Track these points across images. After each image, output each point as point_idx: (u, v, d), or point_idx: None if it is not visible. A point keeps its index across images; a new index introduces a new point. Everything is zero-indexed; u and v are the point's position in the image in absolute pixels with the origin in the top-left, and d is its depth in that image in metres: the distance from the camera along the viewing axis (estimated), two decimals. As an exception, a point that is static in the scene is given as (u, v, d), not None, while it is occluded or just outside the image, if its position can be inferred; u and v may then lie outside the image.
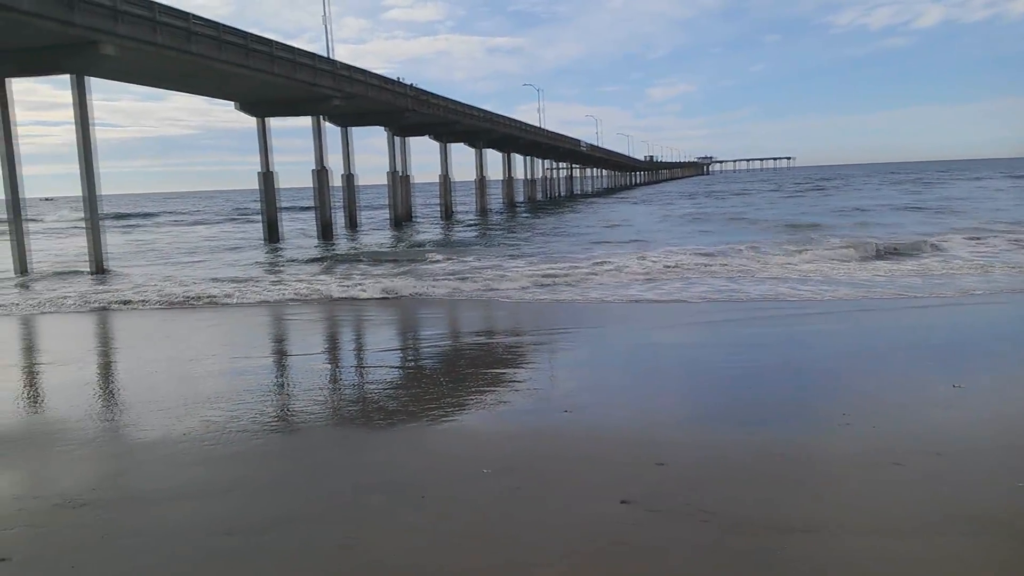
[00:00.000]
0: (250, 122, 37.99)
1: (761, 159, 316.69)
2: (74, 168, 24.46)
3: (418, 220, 53.25)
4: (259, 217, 42.27)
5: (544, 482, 5.71)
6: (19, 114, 24.79)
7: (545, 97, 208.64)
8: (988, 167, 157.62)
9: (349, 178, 46.13)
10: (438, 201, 58.29)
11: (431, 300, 16.10)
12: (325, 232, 38.92)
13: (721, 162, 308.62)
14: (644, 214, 51.29)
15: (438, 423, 7.37)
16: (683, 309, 14.04)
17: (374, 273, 21.37)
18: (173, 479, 6.14)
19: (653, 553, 4.53)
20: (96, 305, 17.21)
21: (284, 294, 17.37)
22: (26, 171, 25.24)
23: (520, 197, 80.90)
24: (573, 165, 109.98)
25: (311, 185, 40.29)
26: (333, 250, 31.55)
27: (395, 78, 43.56)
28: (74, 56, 22.69)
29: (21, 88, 25.67)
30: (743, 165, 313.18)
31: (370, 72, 40.32)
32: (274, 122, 38.45)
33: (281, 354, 11.94)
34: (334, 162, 40.19)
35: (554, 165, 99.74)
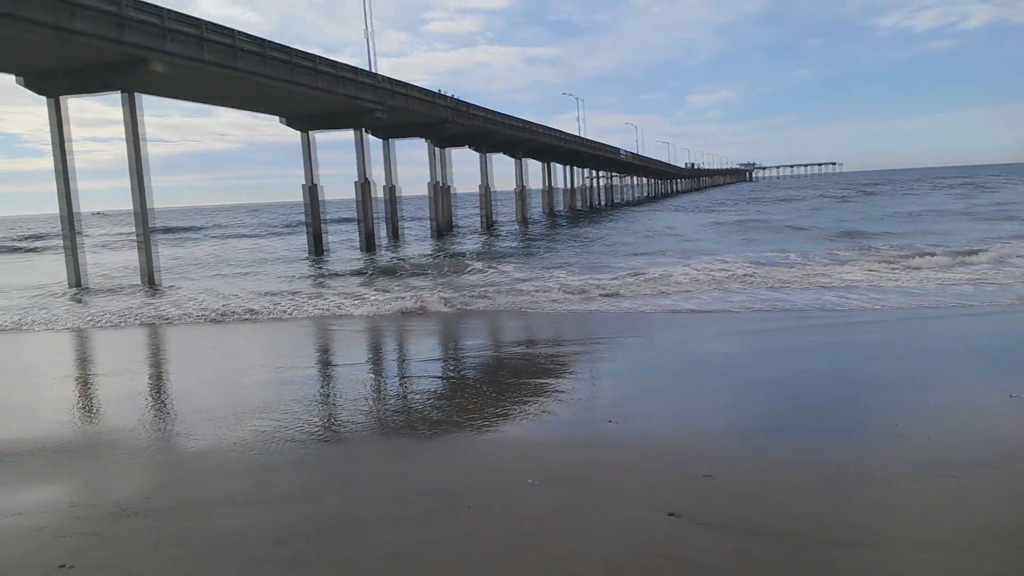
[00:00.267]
0: (294, 136, 38.70)
1: (806, 165, 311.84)
2: (125, 183, 25.17)
3: (459, 230, 53.56)
4: (304, 229, 42.97)
5: (590, 493, 5.69)
6: (73, 131, 25.61)
7: (584, 106, 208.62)
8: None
9: (391, 190, 46.61)
10: (479, 211, 58.58)
11: (472, 311, 16.16)
12: (368, 243, 39.34)
13: (764, 168, 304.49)
14: (686, 222, 50.86)
15: (482, 433, 7.39)
16: (727, 319, 13.88)
17: (415, 285, 21.53)
18: (224, 488, 6.26)
19: (702, 567, 4.48)
20: (148, 318, 17.64)
21: (327, 308, 17.58)
22: (79, 186, 26.02)
23: (560, 206, 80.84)
24: (613, 173, 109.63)
25: (354, 197, 40.81)
26: (376, 262, 31.88)
27: (436, 90, 43.95)
28: (125, 74, 23.37)
29: (74, 105, 26.60)
30: (787, 171, 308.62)
31: (411, 84, 40.77)
32: (318, 135, 39.15)
33: (326, 364, 12.10)
34: (376, 174, 40.70)
35: (594, 174, 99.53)
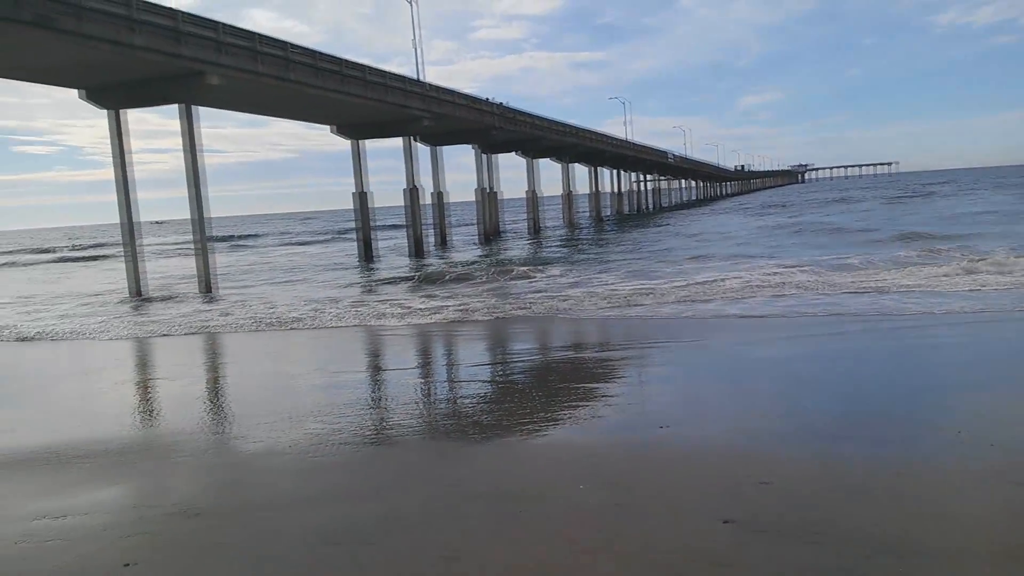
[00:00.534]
0: (344, 145, 39.31)
1: (860, 165, 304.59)
2: (181, 192, 25.86)
3: (506, 236, 53.71)
4: (354, 236, 43.58)
5: (642, 499, 5.64)
6: (132, 142, 26.43)
7: (631, 110, 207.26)
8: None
9: (439, 196, 46.98)
10: (526, 216, 58.66)
11: (519, 317, 16.18)
12: (417, 249, 39.73)
13: (817, 169, 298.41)
14: (736, 226, 50.13)
15: (532, 437, 7.39)
16: (780, 323, 13.63)
17: (463, 291, 21.66)
18: (280, 489, 6.38)
19: (758, 575, 4.40)
20: (205, 325, 18.08)
21: (376, 314, 17.80)
22: (138, 196, 26.80)
23: (607, 211, 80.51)
24: (661, 177, 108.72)
25: (402, 204, 41.26)
26: (425, 267, 32.15)
27: (485, 98, 44.21)
28: (182, 87, 24.05)
29: (133, 118, 27.49)
30: (840, 172, 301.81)
31: (458, 92, 41.08)
32: (367, 143, 39.71)
33: (376, 370, 12.25)
34: (424, 180, 41.12)
35: (641, 177, 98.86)
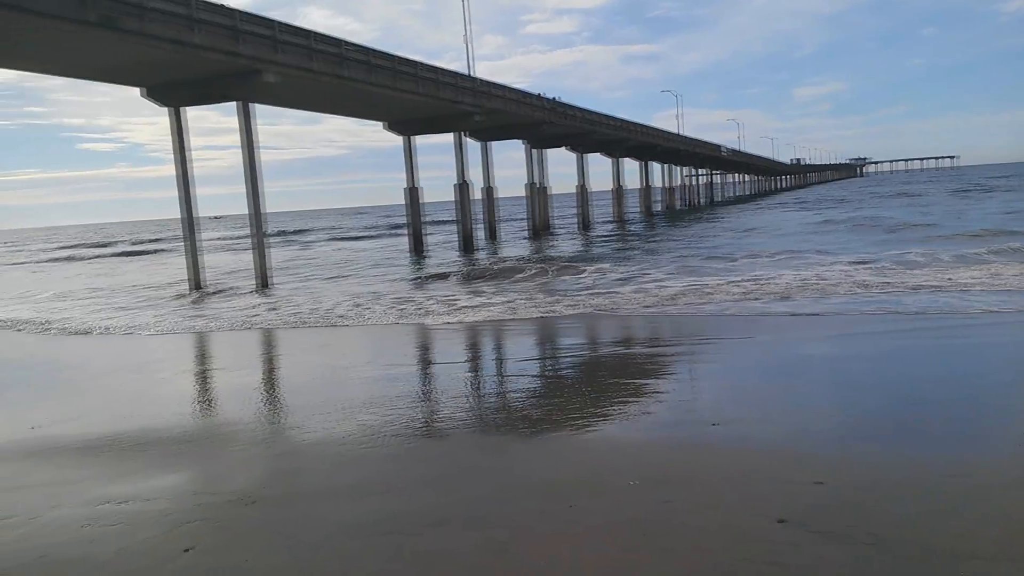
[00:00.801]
0: (395, 140, 39.71)
1: (921, 159, 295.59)
2: (237, 188, 26.43)
3: (556, 231, 53.60)
4: (405, 231, 43.99)
5: (694, 496, 5.58)
6: (191, 139, 27.11)
7: (683, 103, 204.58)
8: None
9: (489, 191, 47.12)
10: (575, 212, 58.46)
11: (568, 313, 16.13)
12: (467, 244, 39.93)
13: (876, 163, 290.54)
14: (791, 221, 49.11)
15: (582, 432, 7.37)
16: (836, 321, 13.33)
17: (511, 288, 21.71)
18: (335, 479, 6.50)
19: None
20: (263, 319, 18.49)
21: (426, 310, 17.96)
22: (198, 192, 27.51)
23: (658, 206, 79.69)
24: (714, 171, 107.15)
25: (452, 199, 41.50)
26: (475, 263, 32.29)
27: (537, 93, 44.15)
28: (239, 84, 24.57)
29: (192, 115, 28.21)
30: (900, 166, 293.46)
31: (508, 87, 41.11)
32: (417, 139, 40.05)
33: (427, 363, 12.37)
34: (474, 176, 41.25)
35: (694, 172, 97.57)
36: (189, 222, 27.28)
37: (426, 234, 41.38)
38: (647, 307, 15.92)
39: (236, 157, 25.64)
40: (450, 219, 48.10)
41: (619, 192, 63.17)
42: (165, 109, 26.39)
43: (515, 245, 43.13)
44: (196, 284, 27.02)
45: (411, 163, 39.77)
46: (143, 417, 9.17)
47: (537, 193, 51.22)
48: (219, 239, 71.71)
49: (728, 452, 6.58)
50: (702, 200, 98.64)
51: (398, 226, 73.31)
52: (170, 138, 26.49)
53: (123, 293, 27.02)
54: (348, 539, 5.22)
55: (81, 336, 17.12)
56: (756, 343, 11.92)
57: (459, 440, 7.49)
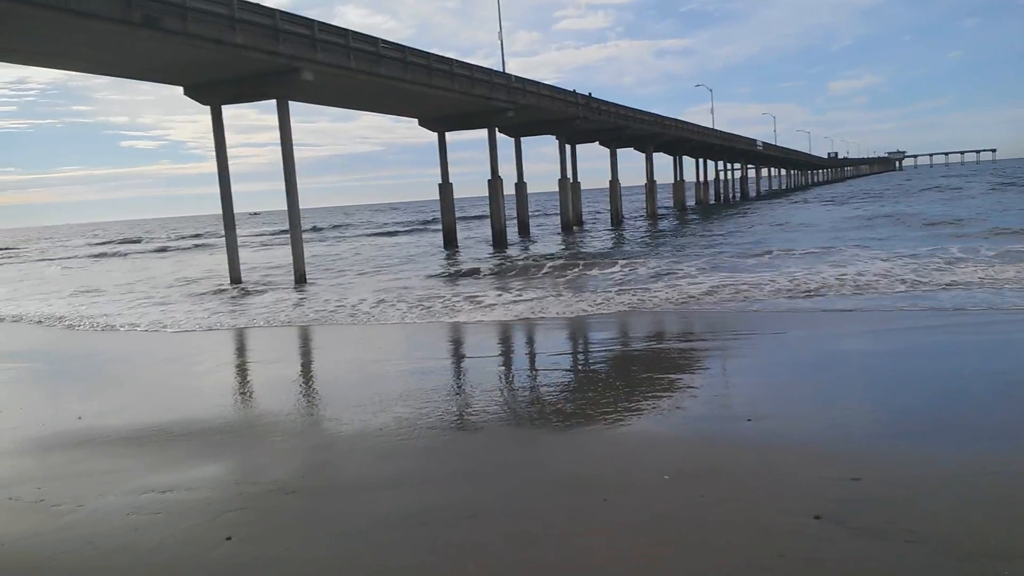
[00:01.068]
0: (428, 137, 39.96)
1: (960, 152, 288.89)
2: (273, 185, 26.87)
3: (588, 226, 53.48)
4: (437, 226, 44.22)
5: (728, 492, 5.58)
6: (230, 137, 27.54)
7: (717, 97, 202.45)
8: None
9: (520, 186, 47.15)
10: (606, 207, 58.22)
11: (600, 307, 16.10)
12: (499, 239, 40.00)
13: (914, 156, 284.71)
14: (826, 216, 48.38)
15: (615, 427, 7.40)
16: (871, 317, 13.15)
17: (542, 284, 21.73)
18: (371, 470, 6.61)
19: (854, 573, 4.30)
20: (300, 314, 18.76)
21: (457, 307, 18.07)
22: (236, 188, 27.95)
23: (691, 201, 79.03)
24: (748, 165, 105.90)
25: (481, 194, 41.62)
26: (508, 258, 32.35)
27: (572, 89, 44.03)
28: (278, 83, 24.89)
29: (231, 113, 29.03)
30: (939, 159, 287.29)
31: (541, 83, 41.08)
32: (450, 135, 40.25)
33: (459, 358, 12.47)
34: (504, 171, 41.27)
35: (727, 166, 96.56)
36: (228, 218, 27.73)
37: (458, 229, 41.54)
38: (679, 303, 15.84)
39: (273, 154, 26.13)
40: (482, 214, 48.23)
41: (651, 187, 62.75)
42: (204, 108, 26.86)
43: (547, 240, 43.10)
44: (237, 278, 27.45)
45: (444, 159, 39.97)
46: (185, 408, 9.39)
47: (569, 188, 51.13)
48: (256, 235, 72.72)
49: (762, 448, 6.55)
50: (737, 195, 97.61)
51: (430, 221, 73.70)
52: (209, 136, 27.10)
53: (164, 288, 27.56)
54: (385, 530, 5.31)
55: (123, 330, 17.52)
56: (790, 338, 11.81)
57: (493, 433, 7.56)
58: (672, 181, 73.84)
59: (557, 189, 51.18)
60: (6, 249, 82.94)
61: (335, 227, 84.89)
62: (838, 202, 66.05)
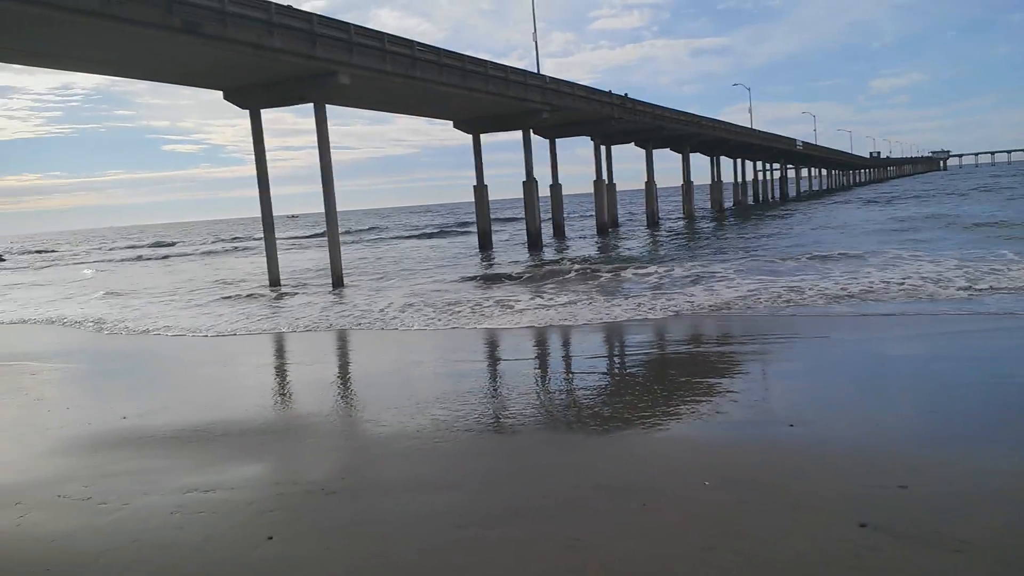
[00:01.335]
0: (463, 139, 40.07)
1: (1008, 151, 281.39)
2: (310, 187, 27.20)
3: (623, 227, 53.20)
4: (471, 228, 44.32)
5: (770, 498, 5.49)
6: (268, 141, 27.92)
7: (755, 96, 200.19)
8: None
9: (555, 188, 47.08)
10: (642, 208, 57.86)
11: (636, 311, 15.98)
12: (533, 241, 39.98)
13: (960, 156, 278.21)
14: (869, 217, 47.51)
15: (653, 431, 7.33)
16: (918, 321, 12.86)
17: (577, 287, 21.65)
18: (409, 472, 6.63)
19: (898, 582, 4.20)
20: (340, 317, 18.94)
21: (491, 311, 18.08)
22: (274, 191, 28.31)
23: (729, 202, 78.20)
24: (787, 166, 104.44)
25: (515, 196, 41.59)
26: (544, 261, 32.32)
27: (608, 90, 43.87)
28: (315, 86, 25.17)
29: (269, 117, 29.52)
30: (986, 159, 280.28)
31: (576, 84, 40.99)
32: (484, 136, 40.34)
33: (495, 361, 12.46)
34: (540, 173, 41.23)
35: (766, 166, 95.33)
36: (267, 221, 28.11)
37: (493, 231, 41.58)
38: (716, 307, 15.66)
39: (310, 157, 26.49)
40: (517, 216, 48.23)
41: (688, 188, 62.21)
42: (243, 112, 27.26)
43: (582, 242, 42.98)
44: (276, 280, 27.80)
45: (479, 161, 40.09)
46: (224, 409, 9.52)
47: (604, 190, 50.93)
48: (294, 238, 73.66)
49: (806, 454, 6.43)
50: (776, 195, 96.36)
51: (465, 223, 73.98)
52: (247, 140, 27.48)
53: (203, 290, 28.03)
54: (424, 532, 5.32)
55: (162, 333, 17.84)
56: (832, 342, 11.60)
57: (529, 436, 7.54)
58: (709, 182, 73.15)
59: (592, 190, 51.02)
60: (69, 254, 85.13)
61: (371, 229, 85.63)
62: (881, 203, 64.83)
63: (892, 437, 6.76)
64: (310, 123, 26.33)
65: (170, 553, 5.26)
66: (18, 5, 16.01)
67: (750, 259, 25.11)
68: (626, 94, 45.64)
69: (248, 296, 24.59)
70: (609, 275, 23.09)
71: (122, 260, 59.59)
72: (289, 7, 22.41)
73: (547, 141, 47.13)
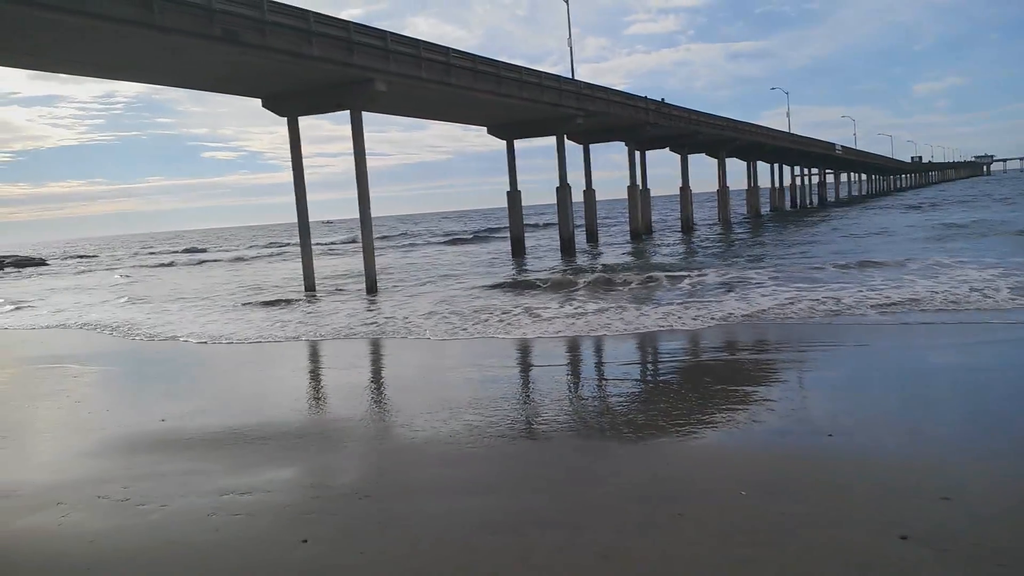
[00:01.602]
0: (495, 145, 40.20)
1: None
2: (345, 193, 27.43)
3: (657, 233, 52.85)
4: (505, 233, 44.36)
5: (809, 509, 5.39)
6: (304, 147, 28.26)
7: (793, 100, 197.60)
8: None
9: (589, 193, 46.96)
10: (676, 214, 57.44)
11: (669, 319, 15.84)
12: (567, 247, 39.89)
13: (1003, 161, 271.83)
14: (910, 223, 46.56)
15: (689, 439, 7.25)
16: (959, 330, 12.56)
17: (611, 294, 21.54)
18: (442, 477, 6.64)
19: (940, 597, 4.10)
20: (372, 321, 19.08)
21: (523, 320, 18.06)
22: (309, 197, 28.59)
23: (766, 207, 77.27)
24: (826, 170, 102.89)
25: (547, 201, 41.56)
26: (578, 267, 32.23)
27: (643, 96, 43.70)
28: (352, 94, 25.45)
29: (306, 124, 30.28)
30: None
31: (611, 89, 40.87)
32: (518, 142, 40.39)
33: (527, 367, 12.45)
34: (573, 178, 41.15)
35: (804, 171, 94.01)
36: (303, 227, 28.43)
37: (526, 237, 41.58)
38: (751, 314, 15.46)
39: (345, 163, 26.72)
40: (550, 222, 48.17)
41: (724, 193, 61.61)
42: (281, 119, 27.64)
43: (615, 248, 42.76)
44: (311, 285, 28.09)
45: (512, 166, 40.14)
46: (260, 413, 9.64)
47: (638, 195, 50.66)
48: (329, 243, 74.43)
49: (845, 464, 6.31)
50: (814, 201, 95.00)
51: (499, 229, 74.11)
52: (284, 146, 27.81)
53: (241, 294, 28.42)
54: (456, 536, 5.32)
55: (196, 338, 18.13)
56: (872, 351, 11.38)
57: (562, 442, 7.51)
58: (745, 187, 72.37)
59: (626, 196, 50.79)
60: (105, 258, 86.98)
61: (404, 235, 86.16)
62: (923, 208, 63.57)
63: (934, 448, 6.61)
64: (345, 130, 26.62)
65: (208, 554, 5.33)
66: (66, 16, 16.44)
67: (786, 267, 24.74)
68: (662, 99, 45.42)
69: (283, 301, 24.88)
70: (641, 281, 22.93)
71: (157, 265, 60.70)
72: (327, 16, 22.71)
73: (580, 147, 47.06)
